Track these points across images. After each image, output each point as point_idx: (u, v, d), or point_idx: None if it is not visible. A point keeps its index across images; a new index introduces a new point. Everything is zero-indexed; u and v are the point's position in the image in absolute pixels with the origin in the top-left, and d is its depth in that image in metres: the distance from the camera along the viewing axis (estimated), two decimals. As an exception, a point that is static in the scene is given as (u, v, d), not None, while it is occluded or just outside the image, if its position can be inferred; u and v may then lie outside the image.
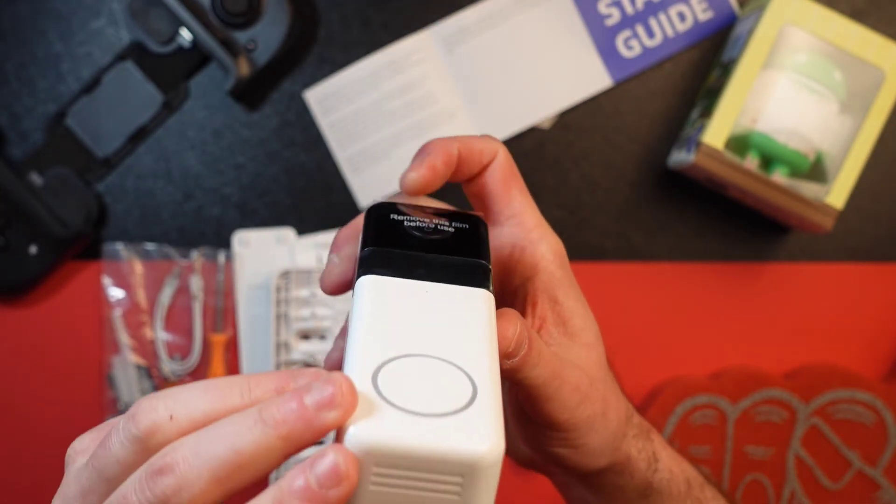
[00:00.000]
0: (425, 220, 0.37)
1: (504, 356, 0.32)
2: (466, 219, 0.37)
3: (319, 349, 0.65)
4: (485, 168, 0.38)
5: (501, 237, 0.38)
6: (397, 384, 0.28)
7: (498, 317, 0.33)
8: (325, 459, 0.25)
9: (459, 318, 0.31)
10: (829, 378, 0.66)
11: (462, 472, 0.26)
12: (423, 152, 0.36)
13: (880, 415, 0.66)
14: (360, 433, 0.26)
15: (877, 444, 0.66)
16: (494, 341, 0.31)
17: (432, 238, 0.35)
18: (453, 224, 0.37)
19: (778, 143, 0.61)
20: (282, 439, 0.26)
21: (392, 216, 0.36)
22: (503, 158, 0.38)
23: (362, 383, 0.28)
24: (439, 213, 0.37)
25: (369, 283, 0.32)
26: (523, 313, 0.36)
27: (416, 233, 0.36)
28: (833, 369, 0.66)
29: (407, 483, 0.27)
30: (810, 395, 0.66)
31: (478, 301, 0.32)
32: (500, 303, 0.37)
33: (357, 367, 0.28)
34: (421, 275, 0.33)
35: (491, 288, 0.33)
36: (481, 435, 0.27)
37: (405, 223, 0.36)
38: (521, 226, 0.37)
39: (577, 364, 0.36)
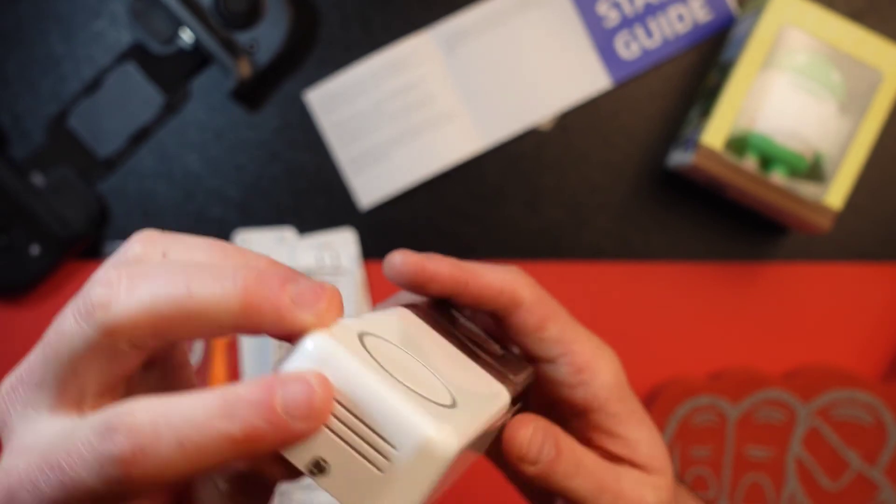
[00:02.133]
0: (479, 329, 0.35)
1: (519, 459, 0.31)
2: (517, 356, 0.35)
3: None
4: (508, 313, 0.34)
5: (551, 372, 0.35)
6: (381, 352, 0.25)
7: (513, 421, 0.31)
8: (297, 384, 0.22)
9: (469, 378, 0.29)
10: (828, 378, 0.66)
11: (402, 442, 0.23)
12: (426, 254, 0.33)
13: (879, 415, 0.66)
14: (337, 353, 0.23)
15: (876, 444, 0.66)
16: (493, 408, 0.28)
17: (475, 341, 0.34)
18: (502, 348, 0.35)
19: (776, 144, 0.61)
20: (242, 304, 0.23)
21: (452, 310, 0.35)
22: (529, 303, 0.34)
23: (349, 327, 0.25)
24: (494, 337, 0.36)
25: (405, 311, 0.31)
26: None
27: (465, 330, 0.34)
28: (832, 370, 0.66)
29: (348, 434, 0.23)
30: (810, 396, 0.66)
31: (495, 389, 0.30)
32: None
33: (349, 321, 0.26)
34: (453, 342, 0.31)
35: (512, 394, 0.31)
36: (446, 422, 0.24)
37: (460, 318, 0.35)
38: (570, 366, 0.35)
39: (643, 490, 0.34)
